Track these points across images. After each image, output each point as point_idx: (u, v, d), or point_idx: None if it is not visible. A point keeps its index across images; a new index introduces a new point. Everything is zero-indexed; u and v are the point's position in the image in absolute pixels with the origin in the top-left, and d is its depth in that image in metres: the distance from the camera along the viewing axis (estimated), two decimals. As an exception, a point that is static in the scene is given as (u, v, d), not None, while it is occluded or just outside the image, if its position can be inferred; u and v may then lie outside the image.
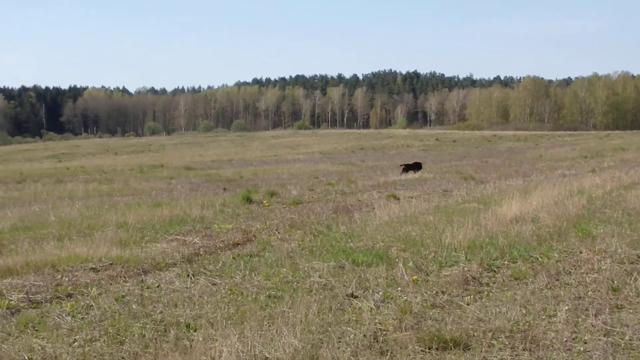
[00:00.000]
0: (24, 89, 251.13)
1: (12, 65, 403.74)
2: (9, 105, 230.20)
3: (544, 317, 8.86)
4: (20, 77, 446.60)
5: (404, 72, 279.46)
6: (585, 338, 8.06)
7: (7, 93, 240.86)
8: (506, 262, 12.06)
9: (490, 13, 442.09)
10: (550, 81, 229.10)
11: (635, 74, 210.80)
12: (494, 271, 11.53)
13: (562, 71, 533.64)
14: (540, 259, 12.17)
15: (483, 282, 10.85)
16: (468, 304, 9.57)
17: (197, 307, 9.78)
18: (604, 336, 8.11)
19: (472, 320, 8.80)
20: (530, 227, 14.88)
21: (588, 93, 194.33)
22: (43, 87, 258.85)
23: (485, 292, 10.22)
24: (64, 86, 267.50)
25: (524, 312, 9.03)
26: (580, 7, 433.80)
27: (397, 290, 10.35)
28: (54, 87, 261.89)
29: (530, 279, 10.79)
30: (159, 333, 8.71)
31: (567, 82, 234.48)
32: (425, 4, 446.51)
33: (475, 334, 8.29)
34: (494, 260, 12.16)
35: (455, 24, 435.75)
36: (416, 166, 40.00)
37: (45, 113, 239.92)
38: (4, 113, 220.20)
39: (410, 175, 36.76)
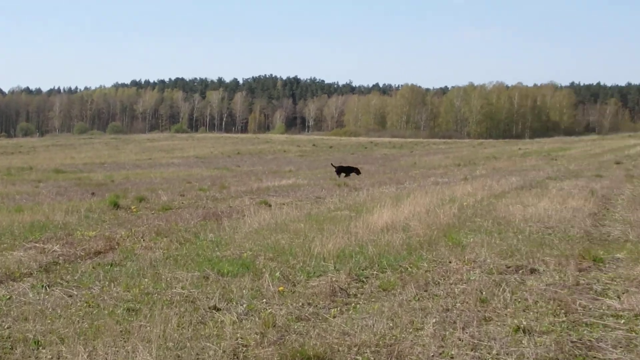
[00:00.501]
0: None
1: None
2: None
3: (411, 330, 8.62)
4: None
5: (284, 78, 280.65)
6: (452, 353, 7.85)
7: None
8: (375, 272, 11.84)
9: (370, 21, 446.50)
10: (427, 90, 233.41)
11: (509, 85, 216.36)
12: (363, 282, 11.28)
13: (439, 80, 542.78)
14: (409, 269, 11.99)
15: (351, 293, 10.58)
16: (334, 317, 9.28)
17: (49, 321, 9.21)
18: (471, 350, 7.92)
19: (338, 334, 8.51)
20: (400, 236, 14.73)
21: (463, 102, 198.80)
22: None
23: (353, 304, 9.95)
24: None
25: (391, 325, 8.78)
26: (457, 19, 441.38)
27: (262, 302, 9.99)
28: None
29: (399, 290, 10.57)
30: (4, 350, 8.14)
31: (444, 91, 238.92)
32: (307, 10, 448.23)
33: (340, 348, 8.00)
34: (362, 270, 11.93)
35: (335, 30, 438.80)
36: (351, 170, 38.81)
37: None
38: None
39: (292, 181, 35.79)
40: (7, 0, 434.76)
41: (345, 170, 38.35)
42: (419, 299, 10.06)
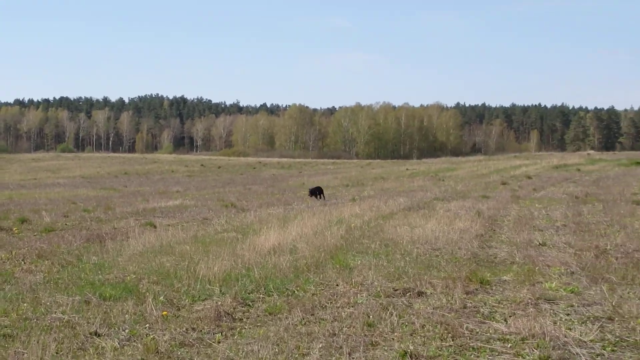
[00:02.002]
0: None
1: None
2: None
3: (297, 355, 8.51)
4: None
5: (170, 97, 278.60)
6: (337, 379, 7.76)
7: None
8: (261, 296, 11.70)
9: (257, 41, 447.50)
10: (315, 110, 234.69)
11: (396, 105, 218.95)
12: (249, 305, 11.13)
13: (326, 101, 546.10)
14: (296, 292, 11.89)
15: (236, 317, 10.41)
16: (219, 342, 9.11)
17: None
18: (357, 376, 7.84)
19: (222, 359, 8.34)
20: (288, 258, 14.62)
21: (351, 122, 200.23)
22: None
23: (238, 329, 9.79)
24: None
25: (276, 350, 8.66)
26: (344, 41, 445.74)
27: (145, 327, 9.76)
28: None
29: (285, 314, 10.44)
30: None
31: (332, 111, 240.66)
32: (191, 28, 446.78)
33: (224, 375, 7.83)
34: (249, 294, 11.78)
35: (222, 49, 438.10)
36: (318, 191, 37.91)
37: None
38: None
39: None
40: None
41: (317, 192, 37.81)
42: (305, 323, 9.94)
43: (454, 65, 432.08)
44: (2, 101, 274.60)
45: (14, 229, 22.22)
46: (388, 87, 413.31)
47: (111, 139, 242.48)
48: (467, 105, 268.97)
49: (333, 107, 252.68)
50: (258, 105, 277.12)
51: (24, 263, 15.57)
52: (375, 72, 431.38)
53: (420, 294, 11.72)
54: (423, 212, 24.84)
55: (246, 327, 9.91)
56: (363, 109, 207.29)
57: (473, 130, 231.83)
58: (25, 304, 11.21)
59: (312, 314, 10.44)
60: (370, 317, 10.08)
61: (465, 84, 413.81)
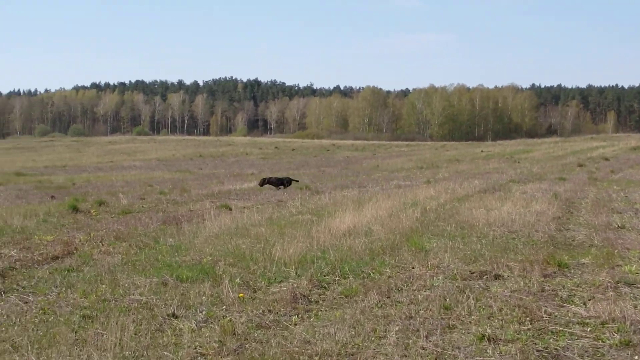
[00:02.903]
0: None
1: None
2: None
3: (373, 338, 8.46)
4: None
5: (244, 80, 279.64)
6: (415, 362, 7.71)
7: None
8: (337, 278, 11.67)
9: (330, 24, 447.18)
10: (388, 92, 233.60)
11: (470, 87, 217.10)
12: (324, 288, 11.11)
13: (400, 82, 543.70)
14: (372, 275, 11.83)
15: (312, 299, 10.41)
16: (295, 325, 9.11)
17: (3, 328, 9.01)
18: (435, 360, 7.78)
19: (299, 342, 8.34)
20: (363, 241, 14.57)
21: (425, 104, 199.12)
22: None
23: (314, 311, 9.78)
24: None
25: (353, 333, 8.62)
26: (418, 22, 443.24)
27: (222, 309, 9.80)
28: None
29: (361, 297, 10.40)
30: (-45, 359, 7.92)
31: (405, 93, 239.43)
32: (265, 13, 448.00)
33: (301, 357, 7.85)
34: (324, 276, 11.76)
35: (295, 33, 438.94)
36: (284, 181, 34.00)
37: None
38: None
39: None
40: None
41: (279, 182, 33.63)
42: (381, 306, 9.88)
43: (529, 45, 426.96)
44: (80, 85, 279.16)
45: (92, 211, 22.49)
46: (462, 69, 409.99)
47: (186, 121, 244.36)
48: (542, 86, 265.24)
49: (406, 88, 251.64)
50: (331, 88, 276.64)
51: (102, 245, 15.74)
52: (449, 53, 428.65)
53: (497, 276, 11.59)
54: (499, 195, 24.59)
55: (322, 309, 9.89)
56: (437, 90, 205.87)
57: (548, 111, 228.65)
58: (104, 286, 11.34)
59: (388, 297, 10.38)
60: (447, 300, 10.00)
61: (540, 65, 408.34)
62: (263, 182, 33.29)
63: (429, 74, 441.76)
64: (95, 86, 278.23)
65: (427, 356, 7.86)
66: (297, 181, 34.55)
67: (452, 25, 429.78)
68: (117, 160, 79.88)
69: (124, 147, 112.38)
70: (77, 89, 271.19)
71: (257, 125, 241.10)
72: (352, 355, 7.89)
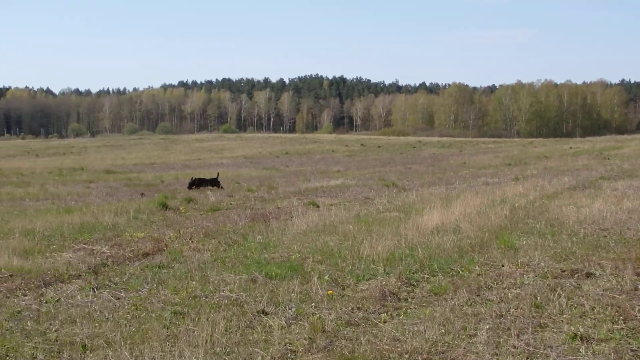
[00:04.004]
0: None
1: None
2: None
3: (463, 337, 8.40)
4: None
5: (330, 77, 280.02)
6: (507, 361, 7.63)
7: None
8: (426, 276, 11.62)
9: (415, 20, 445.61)
10: (475, 88, 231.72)
11: (558, 83, 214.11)
12: (413, 285, 11.07)
13: (486, 79, 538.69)
14: (461, 273, 11.75)
15: (401, 297, 10.38)
16: (385, 322, 9.09)
17: (96, 324, 9.17)
18: (527, 359, 7.70)
19: (388, 340, 8.33)
20: (451, 238, 14.47)
21: (512, 101, 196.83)
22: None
23: (403, 309, 9.75)
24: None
25: (442, 331, 8.57)
26: (506, 17, 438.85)
27: (311, 306, 9.84)
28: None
29: (451, 295, 10.34)
30: (51, 354, 8.11)
31: (492, 89, 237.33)
32: (352, 10, 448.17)
33: (391, 355, 7.84)
34: (413, 274, 11.72)
35: (380, 30, 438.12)
36: (210, 182, 32.66)
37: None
38: None
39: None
40: (56, 3, 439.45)
41: (202, 183, 32.47)
42: (471, 304, 9.81)
43: (618, 40, 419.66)
44: (167, 83, 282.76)
45: (181, 208, 22.79)
46: (549, 64, 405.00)
47: (272, 119, 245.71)
48: (632, 81, 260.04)
49: (493, 85, 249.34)
50: (417, 84, 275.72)
51: (192, 242, 15.94)
52: (536, 48, 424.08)
53: (588, 275, 11.39)
54: (589, 192, 24.24)
55: (411, 307, 9.85)
56: (524, 86, 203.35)
57: (638, 107, 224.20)
58: (194, 282, 11.48)
59: (478, 295, 10.30)
60: (538, 298, 9.87)
61: (630, 60, 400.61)
62: (192, 184, 31.80)
63: (515, 70, 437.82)
64: (182, 84, 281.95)
65: (519, 355, 7.77)
66: (222, 188, 32.15)
67: (539, 20, 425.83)
68: (204, 157, 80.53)
69: (211, 145, 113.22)
70: (165, 87, 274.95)
71: (342, 123, 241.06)
72: (442, 353, 7.85)
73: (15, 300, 10.68)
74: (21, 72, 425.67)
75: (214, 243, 15.62)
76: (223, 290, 10.83)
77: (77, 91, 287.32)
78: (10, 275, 12.24)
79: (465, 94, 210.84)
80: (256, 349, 8.02)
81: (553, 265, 12.01)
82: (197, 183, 32.12)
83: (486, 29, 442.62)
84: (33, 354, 8.09)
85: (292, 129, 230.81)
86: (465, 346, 8.06)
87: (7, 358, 8.01)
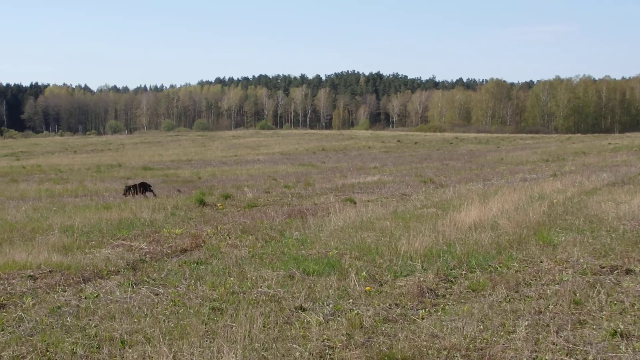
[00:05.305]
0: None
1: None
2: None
3: (502, 333, 8.37)
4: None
5: (366, 74, 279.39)
6: (547, 358, 7.60)
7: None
8: (464, 272, 11.58)
9: (451, 16, 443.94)
10: (512, 84, 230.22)
11: (596, 78, 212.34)
12: (451, 282, 11.03)
13: (524, 74, 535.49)
14: (499, 269, 11.70)
15: (439, 293, 10.35)
16: (422, 318, 9.07)
17: (135, 320, 9.22)
18: (567, 355, 7.65)
19: (426, 336, 8.32)
20: (489, 235, 14.41)
21: (550, 96, 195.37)
22: (4, 84, 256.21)
23: (441, 305, 9.72)
24: (25, 83, 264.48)
25: (481, 327, 8.55)
26: (543, 13, 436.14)
27: (349, 303, 9.84)
28: (14, 84, 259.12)
29: (489, 291, 10.30)
30: (91, 350, 8.15)
31: (529, 85, 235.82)
32: (389, 7, 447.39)
33: (429, 352, 7.82)
34: (451, 270, 11.69)
35: (417, 26, 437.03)
36: (141, 187, 29.69)
37: (6, 110, 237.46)
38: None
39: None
40: (94, 3, 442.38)
41: (136, 188, 29.40)
42: (509, 300, 9.77)
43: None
44: (204, 80, 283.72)
45: (218, 204, 22.84)
46: (587, 60, 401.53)
47: (308, 115, 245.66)
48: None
49: (530, 80, 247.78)
50: (454, 80, 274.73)
51: (229, 238, 15.98)
52: (574, 44, 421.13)
53: (628, 271, 11.32)
54: (628, 188, 24.06)
55: (449, 303, 9.83)
56: (562, 82, 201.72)
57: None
58: (232, 278, 11.51)
59: (517, 291, 10.25)
60: (577, 295, 9.82)
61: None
62: (127, 191, 28.95)
63: (553, 66, 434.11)
64: (219, 81, 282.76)
65: (558, 352, 7.72)
66: (154, 194, 29.15)
67: (577, 15, 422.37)
68: (241, 154, 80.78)
69: (248, 142, 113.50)
70: (201, 84, 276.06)
71: (378, 119, 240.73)
72: (481, 350, 7.82)
73: (55, 296, 10.76)
74: (59, 70, 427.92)
75: (252, 239, 15.64)
76: (261, 287, 10.85)
77: (114, 88, 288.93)
78: (50, 271, 12.34)
79: (502, 90, 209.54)
80: (294, 345, 8.03)
81: (592, 262, 11.95)
82: (132, 189, 29.04)
83: (524, 25, 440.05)
84: (73, 349, 8.14)
85: (328, 126, 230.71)
86: (504, 343, 8.02)
87: (48, 353, 8.06)
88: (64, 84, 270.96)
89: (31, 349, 8.17)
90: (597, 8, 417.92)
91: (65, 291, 11.13)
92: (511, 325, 8.59)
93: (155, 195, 29.02)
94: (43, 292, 11.03)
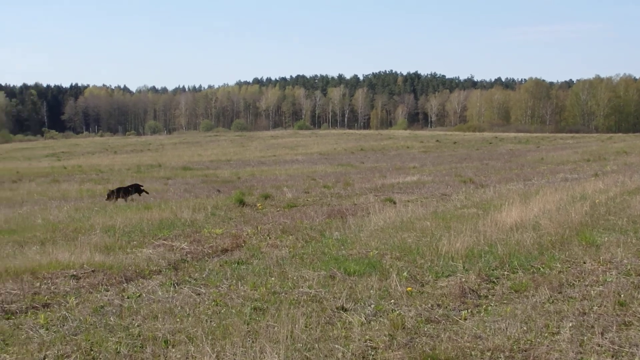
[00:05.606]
0: (25, 87, 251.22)
1: (13, 62, 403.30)
2: (11, 104, 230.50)
3: (546, 334, 8.29)
4: (21, 75, 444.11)
5: (404, 73, 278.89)
6: (592, 359, 7.49)
7: (9, 91, 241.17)
8: (506, 273, 11.50)
9: (490, 14, 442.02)
10: (551, 83, 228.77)
11: (637, 77, 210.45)
12: (493, 282, 10.96)
13: (563, 73, 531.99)
14: (541, 270, 11.61)
15: (481, 294, 10.29)
16: (465, 319, 9.02)
17: (177, 320, 9.25)
18: (612, 357, 7.59)
19: (469, 337, 8.26)
20: (531, 235, 14.29)
21: (590, 95, 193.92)
22: (44, 85, 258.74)
23: (484, 306, 9.66)
24: (65, 84, 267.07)
25: (525, 328, 8.48)
26: (583, 11, 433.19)
27: (390, 303, 9.80)
28: (55, 85, 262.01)
29: (532, 292, 10.22)
30: (134, 349, 8.19)
31: (569, 84, 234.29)
32: (426, 7, 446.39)
33: (472, 353, 7.77)
34: (493, 271, 11.62)
35: (456, 26, 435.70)
36: (133, 189, 28.53)
37: (47, 111, 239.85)
38: (5, 111, 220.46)
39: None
40: (134, 5, 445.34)
41: (123, 192, 27.78)
42: (553, 301, 9.69)
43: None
44: (242, 80, 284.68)
45: (258, 204, 22.89)
46: (628, 58, 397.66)
47: (346, 115, 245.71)
48: None
49: (570, 80, 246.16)
50: (492, 80, 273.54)
51: (270, 238, 16.01)
52: (613, 42, 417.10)
53: (673, 272, 11.19)
54: (672, 188, 23.79)
55: (492, 304, 9.76)
56: (602, 81, 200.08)
57: None
58: (273, 278, 11.52)
59: (560, 292, 10.16)
60: (622, 296, 9.71)
61: None
62: (110, 196, 27.12)
63: (593, 64, 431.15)
64: (257, 81, 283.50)
65: (604, 353, 7.65)
66: (147, 192, 28.80)
67: (617, 14, 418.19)
68: (279, 154, 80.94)
69: (286, 142, 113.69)
70: (239, 84, 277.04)
71: (417, 119, 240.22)
72: (525, 351, 7.76)
73: (98, 296, 10.84)
74: (99, 70, 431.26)
75: (292, 239, 15.65)
76: (302, 287, 10.86)
77: (153, 89, 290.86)
78: (93, 271, 12.44)
79: (541, 89, 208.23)
80: (336, 345, 8.01)
81: (636, 263, 11.83)
82: (117, 193, 27.45)
83: (563, 23, 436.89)
84: (117, 348, 8.18)
85: (366, 126, 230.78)
86: (549, 344, 7.95)
87: (92, 352, 8.11)
88: (104, 85, 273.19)
89: (75, 348, 8.22)
90: (635, 6, 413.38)
91: (108, 291, 11.21)
92: (555, 327, 8.51)
93: (147, 193, 28.40)
94: (86, 292, 11.12)
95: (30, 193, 33.39)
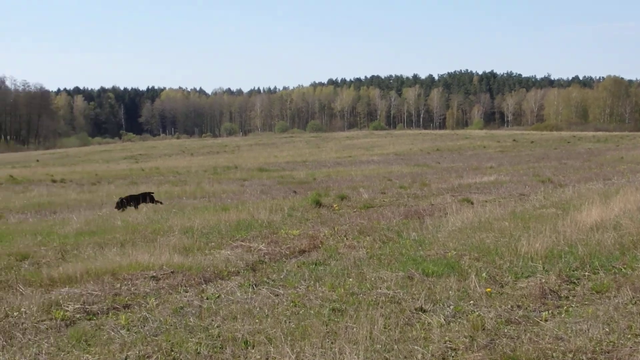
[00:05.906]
0: (103, 90, 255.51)
1: (91, 65, 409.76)
2: (89, 107, 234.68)
3: (629, 336, 8.18)
4: (98, 78, 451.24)
5: (480, 73, 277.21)
6: (676, 361, 7.38)
7: (87, 94, 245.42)
8: (587, 274, 11.33)
9: (564, 13, 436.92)
10: (630, 81, 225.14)
11: None
12: (574, 283, 10.83)
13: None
14: (623, 270, 11.41)
15: (562, 295, 10.17)
16: (546, 320, 8.94)
17: (256, 320, 9.31)
18: (697, 359, 7.42)
19: (551, 338, 8.17)
20: (612, 235, 14.04)
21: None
22: (122, 88, 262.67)
23: (565, 307, 9.55)
24: (142, 87, 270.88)
25: (607, 330, 8.36)
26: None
27: (469, 304, 9.75)
28: (132, 88, 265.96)
29: (614, 293, 10.07)
30: (214, 350, 8.27)
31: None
32: (501, 6, 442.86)
33: (553, 354, 7.70)
34: (573, 271, 11.47)
35: (532, 24, 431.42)
36: (143, 198, 27.09)
37: (124, 114, 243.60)
38: (84, 114, 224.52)
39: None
40: (211, 9, 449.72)
41: (131, 201, 26.45)
42: (636, 302, 9.52)
43: None
44: (317, 81, 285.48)
45: (334, 205, 22.90)
46: None
47: (421, 115, 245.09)
48: None
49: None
50: (570, 78, 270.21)
51: (347, 239, 16.02)
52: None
53: None
54: None
55: (573, 305, 9.65)
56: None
57: None
58: (350, 279, 11.53)
59: (643, 293, 9.99)
60: None
61: None
62: (120, 205, 25.75)
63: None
64: (332, 82, 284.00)
65: (689, 355, 7.51)
66: (161, 203, 27.25)
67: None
68: (355, 155, 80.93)
69: (361, 142, 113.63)
70: (314, 85, 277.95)
71: (493, 118, 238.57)
72: (608, 352, 7.66)
73: (178, 297, 10.96)
74: (174, 73, 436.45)
75: (369, 240, 15.63)
76: (380, 288, 10.84)
77: (228, 91, 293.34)
78: (172, 272, 12.57)
79: (620, 87, 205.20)
80: (416, 347, 8.00)
81: None
82: (127, 201, 26.30)
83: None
84: (197, 349, 8.27)
85: (442, 126, 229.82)
86: (632, 346, 7.84)
87: (172, 353, 8.20)
88: (180, 88, 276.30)
89: (156, 349, 8.33)
90: None
91: (187, 292, 11.33)
92: (638, 328, 8.38)
93: (161, 203, 26.98)
94: (166, 293, 11.26)
95: (109, 195, 33.97)
